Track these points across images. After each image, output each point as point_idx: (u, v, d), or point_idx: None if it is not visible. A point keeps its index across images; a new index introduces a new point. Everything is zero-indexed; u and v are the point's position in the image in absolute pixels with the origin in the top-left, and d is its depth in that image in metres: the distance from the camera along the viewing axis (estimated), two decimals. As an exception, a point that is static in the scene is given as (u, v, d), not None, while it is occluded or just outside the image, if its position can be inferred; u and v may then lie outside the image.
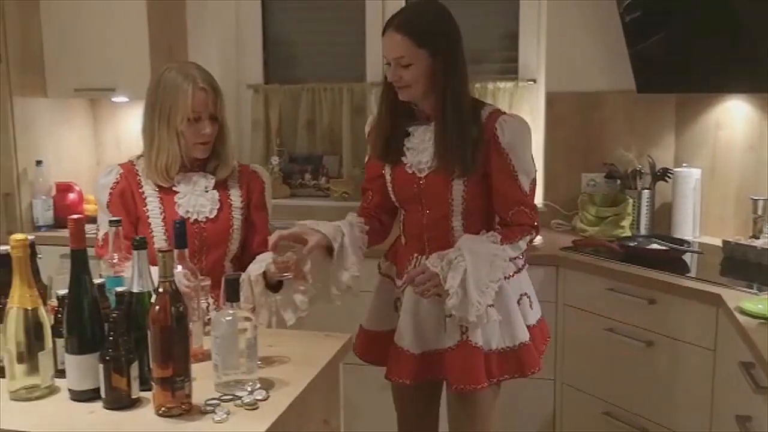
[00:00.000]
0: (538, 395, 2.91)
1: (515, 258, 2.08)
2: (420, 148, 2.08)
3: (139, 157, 2.17)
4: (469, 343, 2.05)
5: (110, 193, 2.11)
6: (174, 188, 2.13)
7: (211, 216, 2.14)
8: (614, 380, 2.69)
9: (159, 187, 2.12)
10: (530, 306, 2.18)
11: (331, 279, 2.09)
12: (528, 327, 2.13)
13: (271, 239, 1.99)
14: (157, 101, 2.07)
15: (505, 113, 2.08)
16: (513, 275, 2.10)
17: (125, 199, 2.11)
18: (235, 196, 2.21)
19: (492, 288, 1.97)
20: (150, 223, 2.11)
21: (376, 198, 2.24)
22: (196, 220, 2.12)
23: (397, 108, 2.10)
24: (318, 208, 3.66)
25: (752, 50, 2.63)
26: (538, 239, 2.91)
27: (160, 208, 2.11)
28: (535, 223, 2.09)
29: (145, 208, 2.12)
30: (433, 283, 1.94)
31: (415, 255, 2.16)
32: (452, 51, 2.02)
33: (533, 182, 2.09)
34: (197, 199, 2.14)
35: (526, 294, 2.17)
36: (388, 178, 2.17)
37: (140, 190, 2.12)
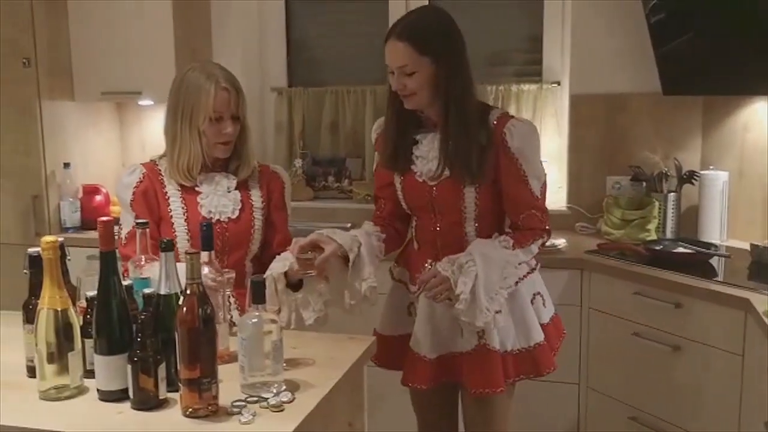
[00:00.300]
0: (563, 399, 2.89)
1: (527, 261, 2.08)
2: (429, 157, 2.06)
3: (161, 156, 2.18)
4: (486, 347, 2.05)
5: (133, 192, 2.11)
6: (197, 188, 2.14)
7: (233, 216, 2.15)
8: (640, 385, 2.67)
9: (181, 186, 2.13)
10: (543, 304, 2.17)
11: (347, 288, 2.08)
12: (542, 325, 2.13)
13: (291, 249, 1.99)
14: (180, 101, 2.09)
15: (513, 117, 2.06)
16: (526, 276, 2.08)
17: (148, 198, 2.12)
18: (256, 197, 2.21)
19: (502, 294, 1.97)
20: (173, 223, 2.12)
21: (388, 206, 2.23)
22: (218, 220, 2.13)
23: (404, 116, 2.08)
24: (341, 211, 3.68)
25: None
26: (561, 242, 2.90)
27: (183, 208, 2.12)
28: (547, 227, 2.07)
29: (168, 208, 2.12)
30: (444, 287, 1.94)
31: (429, 261, 2.14)
32: (455, 57, 2.00)
33: (544, 185, 2.08)
34: (219, 199, 2.15)
35: (539, 293, 2.16)
36: (398, 186, 2.16)
37: (163, 190, 2.13)
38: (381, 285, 2.23)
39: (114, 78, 3.39)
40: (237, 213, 2.16)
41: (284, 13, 3.86)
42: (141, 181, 2.12)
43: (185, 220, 2.12)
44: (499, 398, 2.10)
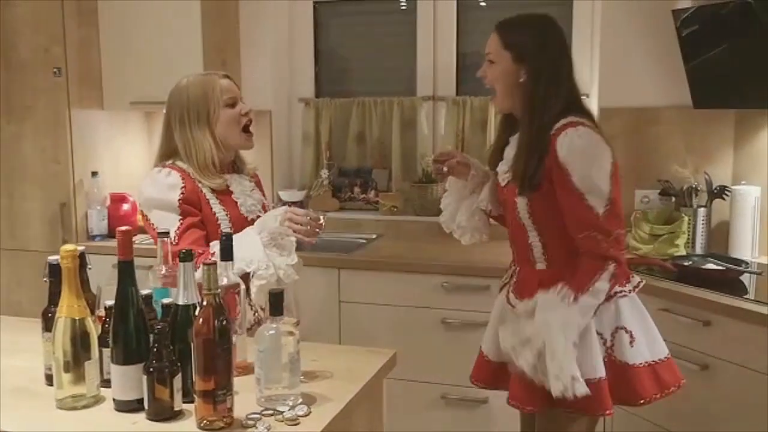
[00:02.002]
0: (588, 417, 2.84)
1: (597, 305, 1.93)
2: (507, 158, 2.11)
3: (173, 162, 2.15)
4: None
5: (182, 192, 2.07)
6: (229, 188, 2.17)
7: (261, 215, 2.18)
8: (668, 404, 2.58)
9: (213, 189, 2.14)
10: (630, 343, 1.99)
11: (462, 206, 2.27)
12: (627, 365, 1.98)
13: (454, 159, 2.20)
14: (183, 107, 2.11)
15: (574, 126, 1.94)
16: (594, 314, 1.95)
17: (193, 199, 2.10)
18: (260, 195, 2.31)
19: (570, 355, 1.88)
20: (219, 225, 2.12)
21: None
22: (252, 219, 2.16)
23: (507, 120, 2.15)
24: (366, 222, 3.67)
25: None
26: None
27: (224, 209, 2.14)
28: (610, 252, 1.91)
29: (211, 210, 2.12)
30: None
31: (512, 266, 2.20)
32: (543, 63, 1.99)
33: (610, 204, 1.91)
34: (247, 198, 2.20)
35: (623, 328, 1.99)
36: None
37: (202, 192, 2.12)
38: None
39: (143, 87, 3.42)
40: (262, 212, 2.21)
41: (312, 24, 3.88)
42: (184, 182, 2.10)
43: (229, 221, 2.13)
44: (563, 424, 2.03)
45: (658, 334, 2.06)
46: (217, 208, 2.13)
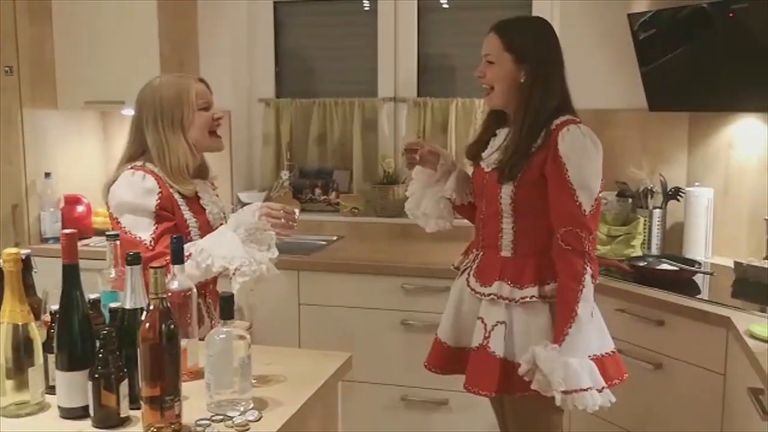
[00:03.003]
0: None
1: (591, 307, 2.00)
2: (495, 147, 2.15)
3: (144, 164, 2.11)
4: (487, 349, 2.06)
5: (158, 198, 2.03)
6: (198, 194, 2.15)
7: (223, 223, 2.15)
8: (623, 402, 2.62)
9: (182, 195, 2.11)
10: None
11: (427, 194, 2.31)
12: None
13: (424, 147, 2.26)
14: (156, 109, 2.06)
15: (574, 123, 2.03)
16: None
17: (168, 204, 2.06)
18: None
19: (585, 366, 1.95)
20: (190, 232, 2.09)
21: None
22: (216, 227, 2.14)
23: (495, 114, 2.20)
24: (327, 223, 3.66)
25: (766, 69, 2.58)
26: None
27: (193, 215, 2.11)
28: (587, 249, 1.96)
29: (182, 215, 2.09)
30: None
31: (474, 250, 2.22)
32: (543, 66, 2.06)
33: (596, 204, 1.99)
34: (213, 206, 2.19)
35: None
36: (472, 174, 2.27)
37: (174, 197, 2.08)
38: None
39: (98, 87, 3.36)
40: (224, 220, 2.18)
41: (272, 23, 3.85)
42: (161, 188, 2.05)
43: (199, 228, 2.11)
44: (533, 409, 2.08)
45: (606, 329, 2.13)
46: (188, 214, 2.10)
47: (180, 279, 1.72)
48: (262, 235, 1.98)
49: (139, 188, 2.03)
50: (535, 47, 2.07)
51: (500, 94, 2.11)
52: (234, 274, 1.93)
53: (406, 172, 2.42)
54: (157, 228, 2.00)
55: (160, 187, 2.04)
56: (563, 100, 2.09)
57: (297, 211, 2.04)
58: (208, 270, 1.94)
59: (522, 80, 2.06)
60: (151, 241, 1.98)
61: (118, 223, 2.03)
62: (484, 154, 2.18)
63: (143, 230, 1.99)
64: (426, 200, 2.32)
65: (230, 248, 1.94)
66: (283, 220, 1.99)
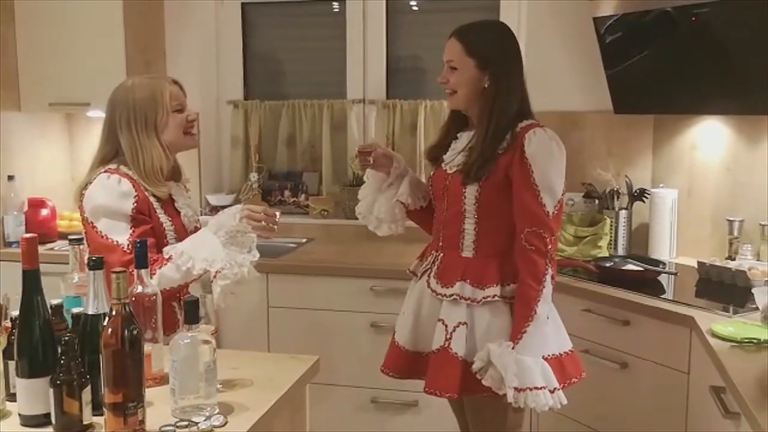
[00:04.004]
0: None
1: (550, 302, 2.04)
2: (457, 149, 2.16)
3: (116, 167, 2.07)
4: (448, 350, 2.06)
5: (135, 202, 1.99)
6: (172, 197, 2.13)
7: (198, 226, 2.15)
8: (590, 402, 2.66)
9: (157, 198, 2.08)
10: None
11: (379, 199, 2.32)
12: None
13: (377, 150, 2.25)
14: (129, 110, 2.04)
15: (540, 127, 2.07)
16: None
17: (145, 208, 2.03)
18: None
19: (539, 366, 1.99)
20: (166, 235, 2.07)
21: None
22: (191, 230, 2.13)
23: (455, 117, 2.23)
24: (297, 226, 3.65)
25: (728, 72, 2.63)
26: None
27: (169, 219, 2.09)
28: (549, 248, 2.00)
29: (158, 219, 2.06)
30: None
31: (433, 252, 2.22)
32: (504, 70, 2.08)
33: (559, 207, 2.04)
34: (188, 209, 2.18)
35: None
36: (431, 175, 2.27)
37: (150, 200, 2.06)
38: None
39: (63, 89, 3.32)
40: (198, 223, 2.18)
41: (241, 25, 3.82)
42: (137, 191, 2.01)
43: (174, 231, 2.09)
44: (493, 409, 2.10)
45: (563, 328, 2.16)
46: (164, 217, 2.07)
47: (144, 283, 1.70)
48: (243, 237, 1.97)
49: (115, 192, 1.99)
50: (496, 52, 2.10)
51: (463, 97, 2.13)
52: (215, 277, 1.92)
53: (362, 172, 2.40)
54: (134, 231, 1.97)
55: (136, 191, 2.01)
56: (524, 103, 2.13)
57: (278, 213, 2.03)
58: (188, 273, 1.92)
59: (485, 85, 2.09)
60: (128, 245, 1.95)
61: (94, 227, 1.99)
62: (445, 157, 2.20)
63: (120, 234, 1.96)
64: (379, 204, 2.33)
65: (211, 251, 1.93)
66: (264, 223, 1.98)
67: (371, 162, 2.27)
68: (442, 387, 2.07)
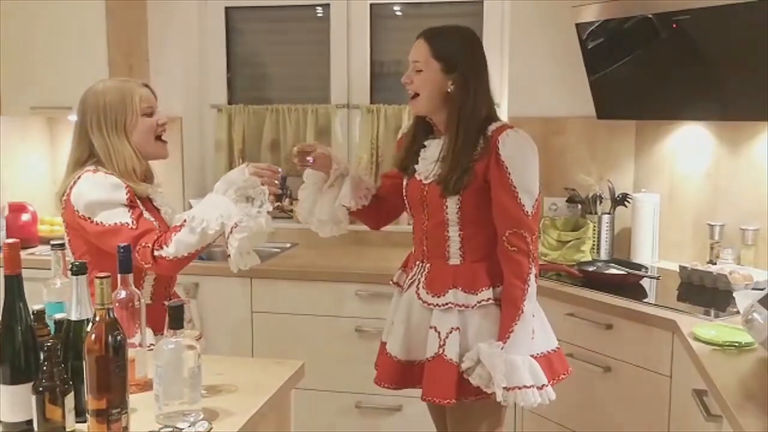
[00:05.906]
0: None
1: (533, 305, 2.06)
2: (429, 159, 2.14)
3: (95, 169, 2.07)
4: (443, 357, 2.06)
5: (128, 191, 2.01)
6: (151, 198, 2.14)
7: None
8: (573, 405, 2.68)
9: (140, 199, 2.09)
10: (531, 337, 2.08)
11: (320, 200, 2.30)
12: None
13: (317, 150, 2.24)
14: (100, 113, 2.05)
15: (511, 128, 2.08)
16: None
17: (135, 199, 2.04)
18: None
19: (527, 364, 2.01)
20: None
21: (383, 189, 2.37)
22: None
23: (420, 124, 2.21)
24: (281, 231, 3.63)
25: (709, 79, 2.66)
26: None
27: (154, 220, 2.08)
28: (531, 248, 2.03)
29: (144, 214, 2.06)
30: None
31: (417, 262, 2.20)
32: (471, 75, 2.08)
33: (537, 206, 2.06)
34: (167, 207, 2.19)
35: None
36: (404, 186, 2.24)
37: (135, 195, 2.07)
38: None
39: (44, 92, 3.29)
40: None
41: (224, 29, 3.81)
42: (125, 185, 2.03)
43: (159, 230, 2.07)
44: (479, 412, 2.10)
45: (549, 326, 2.19)
46: (146, 214, 2.07)
47: (129, 287, 1.69)
48: (254, 191, 1.97)
49: (107, 185, 2.01)
50: (463, 56, 2.09)
51: (426, 100, 2.12)
52: (231, 232, 1.92)
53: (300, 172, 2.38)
54: (133, 212, 1.99)
55: (124, 184, 2.03)
56: (490, 109, 2.13)
57: (280, 170, 2.05)
58: (204, 234, 1.92)
59: (449, 89, 2.08)
60: (133, 222, 1.98)
61: (92, 221, 1.99)
62: (417, 167, 2.17)
63: (121, 217, 1.98)
64: (320, 206, 2.32)
65: (224, 208, 1.94)
66: (268, 178, 2.00)
67: (311, 162, 2.26)
68: (439, 394, 2.06)
